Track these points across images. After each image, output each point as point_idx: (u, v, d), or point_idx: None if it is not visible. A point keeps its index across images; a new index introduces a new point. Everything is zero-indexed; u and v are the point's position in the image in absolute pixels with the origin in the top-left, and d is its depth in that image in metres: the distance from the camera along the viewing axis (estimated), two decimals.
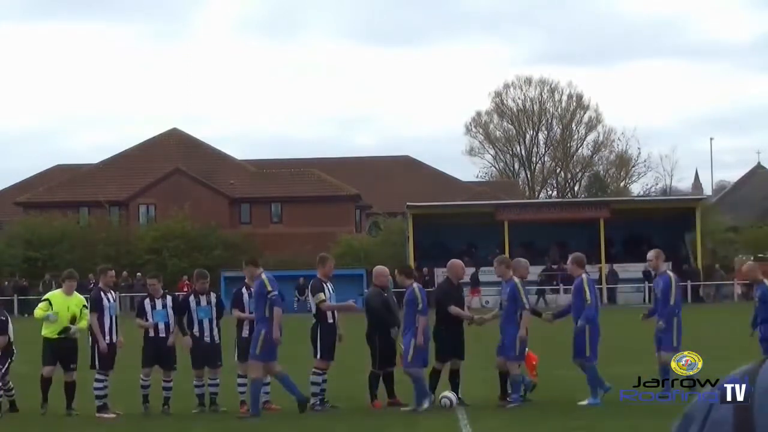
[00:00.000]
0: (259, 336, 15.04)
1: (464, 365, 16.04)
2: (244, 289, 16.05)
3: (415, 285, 15.72)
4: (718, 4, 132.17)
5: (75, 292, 16.17)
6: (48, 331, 15.78)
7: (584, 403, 15.27)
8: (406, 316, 15.58)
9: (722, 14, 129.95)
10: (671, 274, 16.35)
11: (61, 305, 15.78)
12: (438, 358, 15.93)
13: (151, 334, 16.01)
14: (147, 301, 16.30)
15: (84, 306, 15.95)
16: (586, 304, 15.49)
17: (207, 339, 16.03)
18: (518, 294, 15.47)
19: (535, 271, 44.37)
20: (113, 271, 16.85)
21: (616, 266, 53.25)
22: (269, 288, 15.10)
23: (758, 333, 16.23)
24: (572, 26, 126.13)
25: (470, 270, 47.85)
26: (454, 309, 15.84)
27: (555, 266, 54.08)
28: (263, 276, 15.28)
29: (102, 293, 15.98)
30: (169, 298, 16.35)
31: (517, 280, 15.68)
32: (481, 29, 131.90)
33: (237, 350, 16.00)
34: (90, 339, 15.87)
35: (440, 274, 49.52)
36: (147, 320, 16.07)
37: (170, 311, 16.16)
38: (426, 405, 15.11)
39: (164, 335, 16.02)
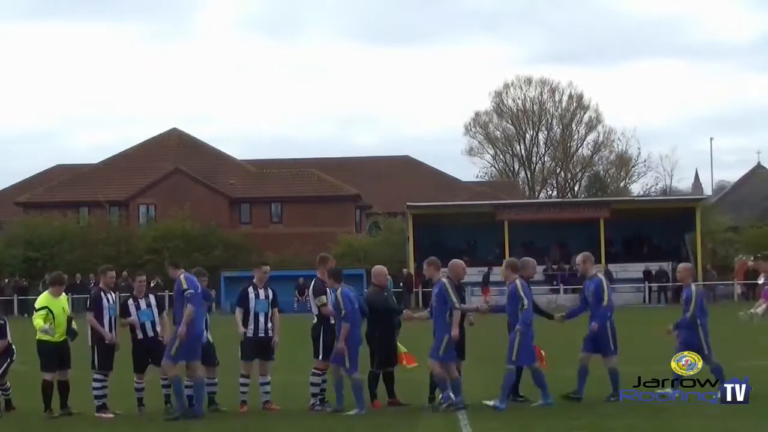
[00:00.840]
0: (175, 337, 15.11)
1: (464, 366, 15.99)
2: (251, 289, 16.03)
3: (339, 290, 15.32)
4: (718, 4, 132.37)
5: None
6: (48, 336, 15.68)
7: (490, 403, 15.04)
8: (336, 320, 15.38)
9: (722, 14, 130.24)
10: (602, 276, 16.26)
11: (58, 309, 15.72)
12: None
13: (140, 336, 15.89)
14: (130, 301, 16.17)
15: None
16: (523, 309, 15.17)
17: (206, 339, 16.01)
18: (447, 295, 15.18)
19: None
20: (114, 272, 16.81)
21: (616, 266, 53.27)
22: (185, 286, 15.20)
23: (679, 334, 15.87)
24: (572, 26, 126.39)
25: (473, 270, 48.03)
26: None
27: (555, 266, 54.12)
28: (181, 276, 15.37)
29: (102, 293, 15.94)
30: (152, 297, 16.29)
31: (445, 280, 15.36)
32: (481, 29, 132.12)
33: (240, 349, 15.99)
34: (90, 339, 15.84)
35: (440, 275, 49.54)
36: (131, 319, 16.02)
37: (155, 310, 16.13)
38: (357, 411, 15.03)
39: (152, 334, 15.97)
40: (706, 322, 15.78)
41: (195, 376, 15.34)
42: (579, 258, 16.51)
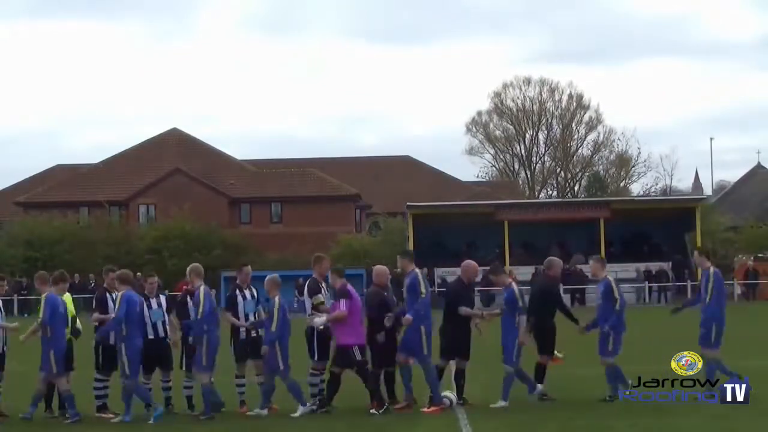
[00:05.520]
0: None
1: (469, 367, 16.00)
2: (237, 291, 16.04)
3: (121, 293, 15.42)
4: (719, 4, 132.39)
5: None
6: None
7: (252, 413, 15.13)
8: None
9: (723, 14, 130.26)
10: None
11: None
12: (442, 356, 15.94)
13: (151, 336, 15.83)
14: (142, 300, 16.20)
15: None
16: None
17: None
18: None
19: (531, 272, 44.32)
20: (115, 273, 16.81)
21: (616, 266, 53.15)
22: None
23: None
24: (572, 25, 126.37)
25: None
26: (464, 310, 15.83)
27: None
28: None
29: (107, 293, 15.98)
30: (162, 297, 16.28)
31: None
32: (481, 28, 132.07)
33: (233, 351, 16.00)
34: (93, 341, 15.82)
35: (440, 274, 49.68)
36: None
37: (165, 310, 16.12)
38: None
39: (163, 335, 15.97)
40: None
41: None
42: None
